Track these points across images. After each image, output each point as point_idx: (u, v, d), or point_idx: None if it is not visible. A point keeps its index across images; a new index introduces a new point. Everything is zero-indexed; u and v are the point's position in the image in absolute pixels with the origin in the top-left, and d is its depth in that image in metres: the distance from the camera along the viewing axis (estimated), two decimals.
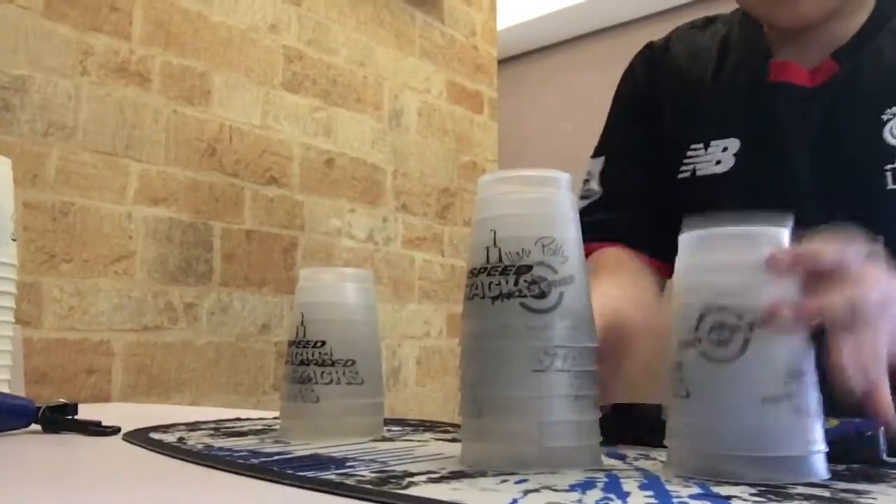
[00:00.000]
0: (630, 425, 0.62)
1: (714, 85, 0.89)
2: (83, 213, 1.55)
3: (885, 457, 0.52)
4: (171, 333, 1.67)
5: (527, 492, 0.41)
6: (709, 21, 0.96)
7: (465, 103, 2.53)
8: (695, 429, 0.46)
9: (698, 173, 0.86)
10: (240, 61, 1.87)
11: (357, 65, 2.18)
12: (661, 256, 0.92)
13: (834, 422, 0.52)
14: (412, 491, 0.41)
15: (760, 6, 0.82)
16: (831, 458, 0.48)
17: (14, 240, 0.84)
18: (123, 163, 1.62)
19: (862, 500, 0.39)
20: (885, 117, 0.77)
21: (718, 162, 0.85)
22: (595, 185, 0.96)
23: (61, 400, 0.71)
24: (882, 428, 0.52)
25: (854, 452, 0.52)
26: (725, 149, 0.85)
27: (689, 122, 0.89)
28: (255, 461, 0.52)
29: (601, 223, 0.92)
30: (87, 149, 1.56)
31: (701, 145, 0.87)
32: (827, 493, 0.41)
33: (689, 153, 0.88)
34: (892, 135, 0.76)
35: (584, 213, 0.93)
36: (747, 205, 0.84)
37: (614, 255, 0.91)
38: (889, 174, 0.75)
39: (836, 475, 0.47)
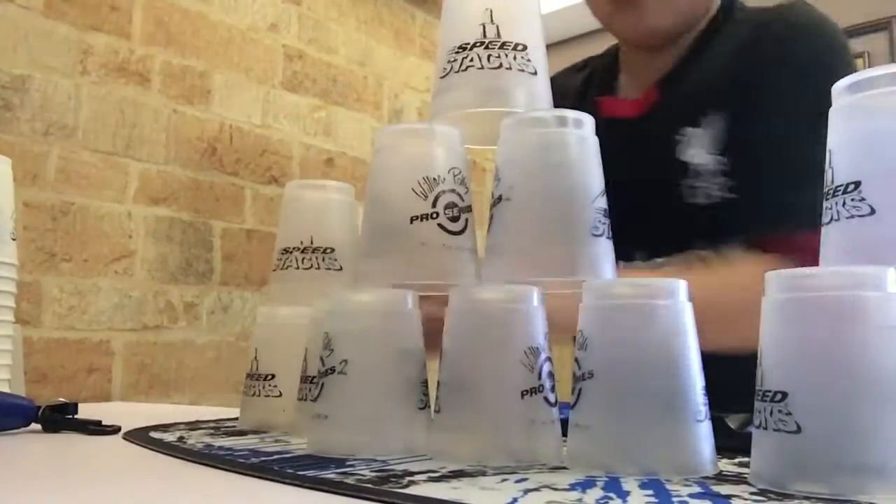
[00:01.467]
0: None
1: None
2: (83, 212, 1.54)
3: None
4: (172, 333, 1.67)
5: (527, 491, 0.41)
6: (585, 63, 1.02)
7: None
8: None
9: None
10: (240, 61, 1.87)
11: (357, 64, 2.18)
12: None
13: None
14: (412, 490, 0.41)
15: (608, 18, 0.88)
16: None
17: (14, 239, 0.84)
18: (123, 162, 1.62)
19: (861, 500, 0.39)
20: (677, 137, 0.81)
21: None
22: None
23: (61, 399, 0.71)
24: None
25: None
26: None
27: None
28: (255, 460, 0.52)
29: None
30: (87, 148, 1.56)
31: None
32: (827, 493, 0.41)
33: None
34: (680, 154, 0.80)
35: None
36: None
37: None
38: (684, 189, 0.79)
39: None
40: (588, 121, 0.58)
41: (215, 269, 1.77)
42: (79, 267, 1.53)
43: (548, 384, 0.52)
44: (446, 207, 0.57)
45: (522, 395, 0.51)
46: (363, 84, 2.19)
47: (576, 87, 0.97)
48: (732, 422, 0.67)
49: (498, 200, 0.56)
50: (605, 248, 0.56)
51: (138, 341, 1.61)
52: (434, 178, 0.58)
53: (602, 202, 0.56)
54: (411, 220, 0.57)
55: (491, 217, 0.56)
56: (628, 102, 0.88)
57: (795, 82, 0.77)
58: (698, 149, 0.79)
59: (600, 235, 0.55)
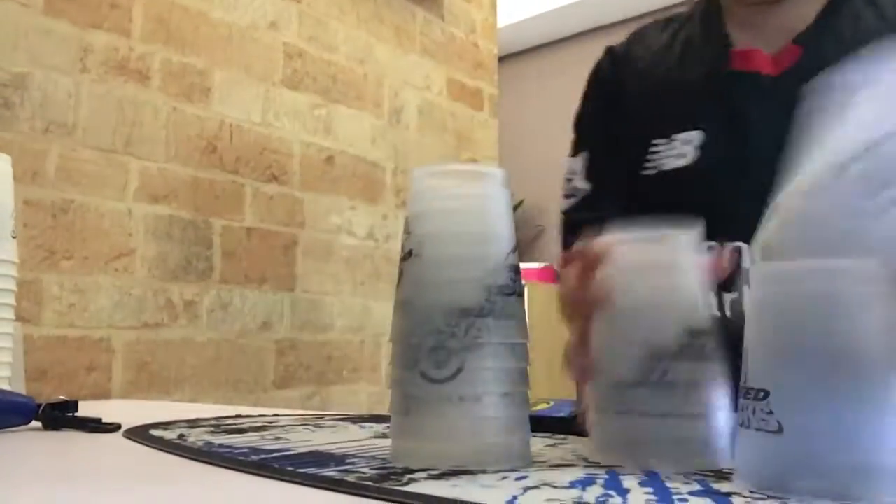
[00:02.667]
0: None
1: (676, 80, 0.89)
2: (83, 210, 1.55)
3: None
4: (172, 331, 1.67)
5: (527, 489, 0.41)
6: (667, 21, 0.96)
7: (466, 100, 2.53)
8: None
9: (663, 168, 0.86)
10: (240, 58, 1.87)
11: (357, 62, 2.17)
12: None
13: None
14: (412, 487, 0.41)
15: None
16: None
17: (14, 237, 0.84)
18: (123, 160, 1.62)
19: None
20: None
21: (682, 155, 0.84)
22: (581, 183, 0.93)
23: (61, 397, 0.71)
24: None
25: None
26: (688, 142, 0.84)
27: (652, 118, 0.88)
28: (255, 458, 0.52)
29: (595, 221, 0.90)
30: (87, 146, 1.56)
31: (664, 140, 0.87)
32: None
33: (652, 149, 0.88)
34: None
35: (571, 212, 0.93)
36: (711, 197, 0.84)
37: None
38: None
39: None
40: (497, 175, 0.54)
41: (215, 267, 1.77)
42: (79, 265, 1.53)
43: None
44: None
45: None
46: (363, 82, 2.19)
47: (669, 45, 0.92)
48: None
49: (408, 255, 0.52)
50: (516, 307, 0.52)
51: (138, 339, 1.61)
52: None
53: (513, 259, 0.52)
54: None
55: (400, 272, 0.52)
56: (766, 57, 0.82)
57: None
58: None
59: (511, 295, 0.51)
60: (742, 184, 0.78)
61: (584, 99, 1.00)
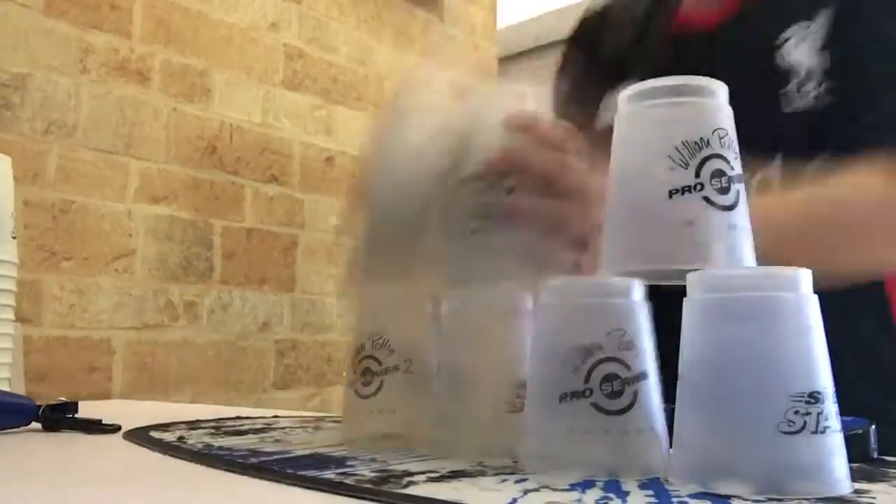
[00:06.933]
0: None
1: (632, 44, 0.93)
2: (83, 211, 1.55)
3: (876, 455, 0.52)
4: (172, 331, 1.67)
5: (526, 491, 0.41)
6: None
7: None
8: None
9: (605, 124, 0.89)
10: (240, 59, 1.87)
11: (357, 63, 2.17)
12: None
13: None
14: (412, 490, 0.41)
15: None
16: None
17: (14, 237, 0.84)
18: (124, 161, 1.62)
19: (861, 500, 0.39)
20: (777, 42, 0.76)
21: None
22: None
23: (61, 398, 0.71)
24: (873, 426, 0.52)
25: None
26: None
27: (606, 77, 0.91)
28: (254, 461, 0.52)
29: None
30: (88, 147, 1.56)
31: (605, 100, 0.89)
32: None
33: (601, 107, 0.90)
34: (782, 59, 0.75)
35: None
36: None
37: None
38: (783, 98, 0.74)
39: None
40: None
41: (215, 267, 1.77)
42: (79, 265, 1.53)
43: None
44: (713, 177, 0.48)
45: (561, 399, 0.47)
46: (364, 83, 2.19)
47: (644, 11, 0.95)
48: None
49: None
50: None
51: (139, 340, 1.61)
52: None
53: None
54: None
55: None
56: (703, 12, 0.84)
57: None
58: (808, 48, 0.74)
59: None
60: None
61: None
